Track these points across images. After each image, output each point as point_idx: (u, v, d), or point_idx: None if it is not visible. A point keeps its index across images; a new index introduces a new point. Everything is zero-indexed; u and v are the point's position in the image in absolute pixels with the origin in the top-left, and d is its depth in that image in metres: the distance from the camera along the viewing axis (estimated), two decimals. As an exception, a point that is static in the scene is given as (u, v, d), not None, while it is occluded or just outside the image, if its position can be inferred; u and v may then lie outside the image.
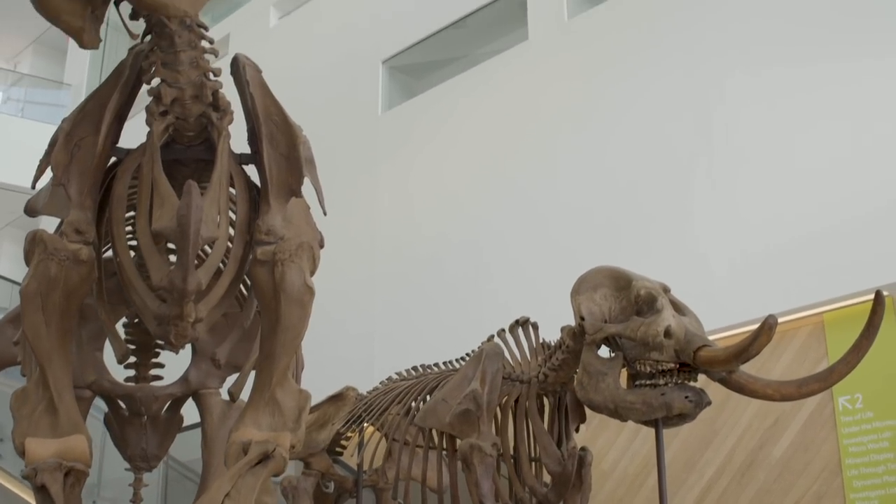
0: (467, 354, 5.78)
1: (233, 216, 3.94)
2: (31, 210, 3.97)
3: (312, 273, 3.82)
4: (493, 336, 5.71)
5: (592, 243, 9.28)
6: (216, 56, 3.62)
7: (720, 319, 7.96)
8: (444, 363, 6.09)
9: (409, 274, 11.05)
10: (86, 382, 4.46)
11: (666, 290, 4.93)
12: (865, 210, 7.80)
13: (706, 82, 9.16)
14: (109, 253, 4.13)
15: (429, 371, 6.20)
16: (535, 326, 5.70)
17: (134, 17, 3.52)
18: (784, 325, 8.28)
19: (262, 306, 3.77)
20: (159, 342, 4.45)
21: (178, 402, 4.89)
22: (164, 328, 3.63)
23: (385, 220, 11.66)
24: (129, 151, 3.85)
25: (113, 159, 3.90)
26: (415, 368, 6.39)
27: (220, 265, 3.78)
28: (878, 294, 4.50)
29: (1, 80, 18.66)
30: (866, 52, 8.18)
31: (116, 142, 3.84)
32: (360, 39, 12.97)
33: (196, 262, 3.48)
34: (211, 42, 3.62)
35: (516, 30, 11.29)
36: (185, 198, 3.29)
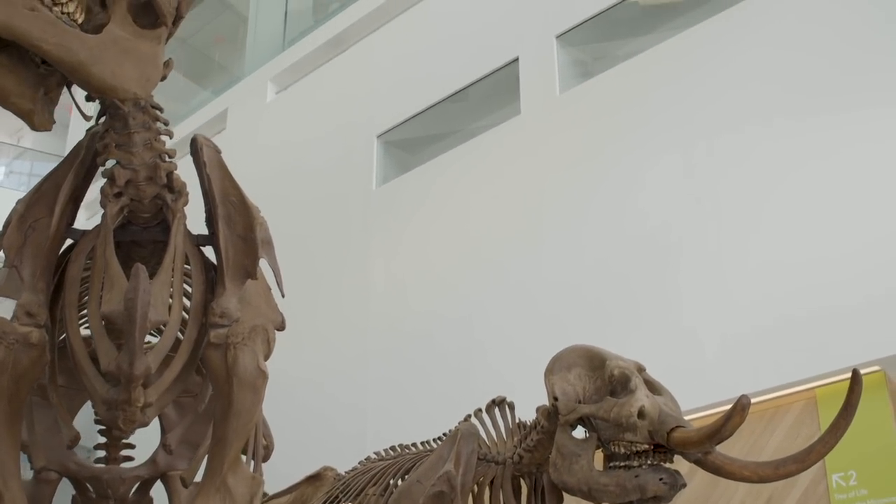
0: (444, 434, 5.69)
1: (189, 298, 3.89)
2: (-13, 292, 3.94)
3: (267, 356, 3.77)
4: (469, 416, 5.62)
5: (582, 318, 9.20)
6: (170, 137, 3.61)
7: (711, 395, 7.87)
8: (422, 443, 5.99)
9: (402, 348, 10.96)
10: (52, 464, 4.39)
11: (640, 369, 4.85)
12: (858, 285, 7.72)
13: (698, 153, 9.15)
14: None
15: (406, 451, 6.10)
16: (512, 406, 5.62)
17: (90, 98, 3.51)
18: (776, 401, 8.21)
19: (214, 390, 3.71)
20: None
21: (146, 485, 4.81)
22: (112, 413, 3.57)
23: (378, 293, 11.60)
24: (84, 233, 3.82)
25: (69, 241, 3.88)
26: (392, 448, 6.29)
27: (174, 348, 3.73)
28: (855, 373, 4.41)
29: (4, 154, 18.82)
30: (858, 133, 8.18)
31: (72, 223, 3.82)
32: (356, 114, 13.04)
33: (147, 345, 3.43)
34: (165, 123, 3.61)
35: (509, 104, 11.33)
36: (133, 281, 3.26)
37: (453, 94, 11.97)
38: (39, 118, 3.21)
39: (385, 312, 11.37)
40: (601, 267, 9.43)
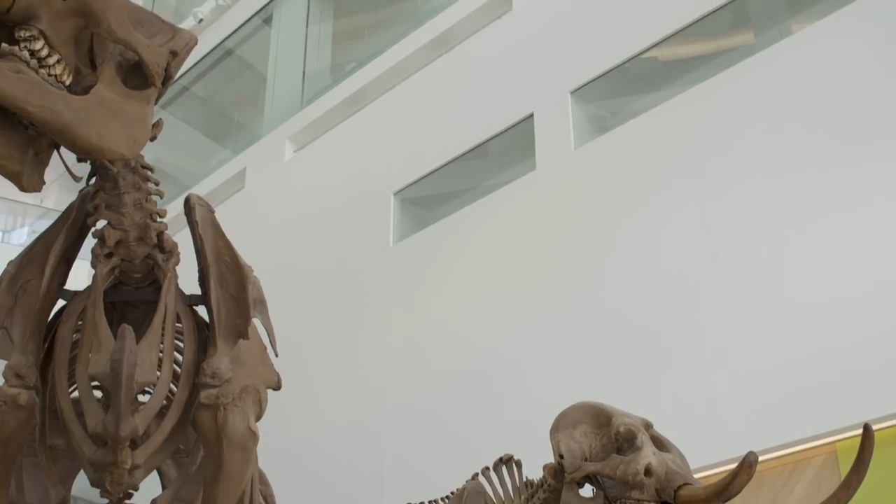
0: (451, 493, 5.63)
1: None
2: (-18, 353, 3.93)
3: (258, 417, 3.73)
4: (476, 475, 5.56)
5: (600, 370, 9.12)
6: (161, 197, 3.61)
7: (730, 450, 7.75)
8: (430, 502, 5.92)
9: (420, 402, 10.89)
10: None
11: (647, 426, 4.77)
12: (879, 340, 7.62)
13: (712, 206, 9.11)
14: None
15: (415, 510, 6.03)
16: (519, 465, 5.55)
17: (82, 159, 3.52)
18: (797, 455, 8.07)
19: (205, 451, 3.68)
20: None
21: None
22: (100, 475, 3.53)
23: (395, 347, 11.56)
24: (76, 293, 3.81)
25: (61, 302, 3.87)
26: (401, 508, 6.23)
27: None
28: (867, 428, 4.33)
29: (28, 214, 18.98)
30: (877, 176, 8.12)
31: (63, 284, 3.81)
32: (373, 171, 13.08)
33: (137, 407, 3.41)
34: (156, 183, 3.61)
35: (525, 160, 11.34)
36: (119, 342, 3.24)
37: (469, 151, 11.99)
38: (28, 180, 3.21)
39: (402, 367, 11.32)
40: (619, 319, 9.35)
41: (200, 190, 16.40)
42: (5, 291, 3.68)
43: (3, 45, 3.02)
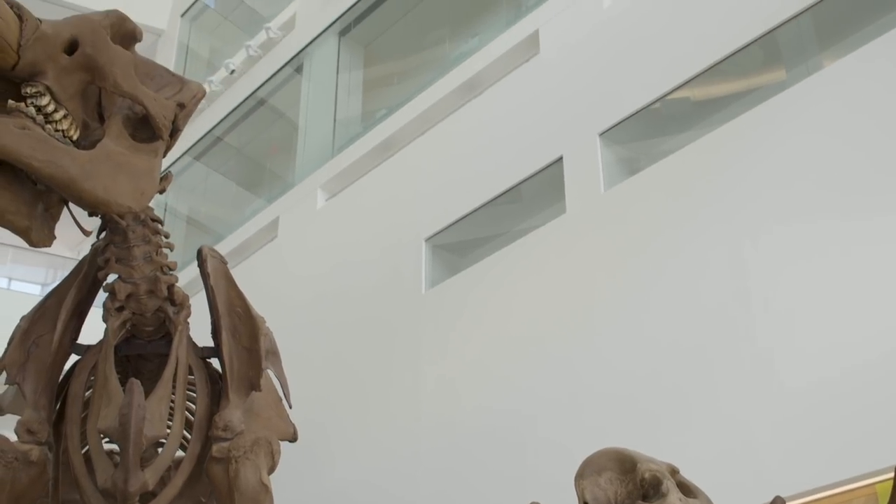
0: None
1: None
2: (-1, 409, 3.93)
3: (271, 470, 3.68)
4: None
5: (632, 413, 9.02)
6: (171, 250, 3.60)
7: (765, 493, 7.59)
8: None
9: (455, 443, 10.81)
10: None
11: (674, 471, 4.68)
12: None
13: (744, 247, 9.00)
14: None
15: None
16: (547, 512, 5.45)
17: (92, 213, 3.52)
18: (835, 498, 7.91)
19: (217, 504, 3.64)
20: None
21: None
22: (109, 531, 3.50)
23: (429, 393, 11.50)
24: (88, 348, 3.80)
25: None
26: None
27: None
28: (901, 470, 4.22)
29: (66, 267, 19.14)
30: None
31: (76, 339, 3.81)
32: (403, 218, 13.08)
33: (148, 461, 3.38)
34: (166, 236, 3.61)
35: (555, 203, 11.29)
36: (127, 396, 3.23)
37: (499, 196, 11.97)
38: (37, 235, 3.22)
39: (436, 410, 11.27)
40: (652, 360, 9.24)
41: (234, 240, 16.54)
42: (17, 347, 3.68)
43: (10, 101, 3.04)
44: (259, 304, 12.79)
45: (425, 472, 10.96)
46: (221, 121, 18.90)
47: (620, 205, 10.37)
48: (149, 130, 3.38)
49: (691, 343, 9.01)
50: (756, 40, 9.88)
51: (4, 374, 3.74)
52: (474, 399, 10.88)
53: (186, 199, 19.89)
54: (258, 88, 18.16)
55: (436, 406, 11.33)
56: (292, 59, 17.53)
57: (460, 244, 12.70)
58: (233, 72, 18.73)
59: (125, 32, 3.38)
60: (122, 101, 3.32)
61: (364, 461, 11.58)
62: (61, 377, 3.78)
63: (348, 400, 12.17)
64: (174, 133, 3.46)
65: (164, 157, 3.46)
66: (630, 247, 10.04)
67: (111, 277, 3.58)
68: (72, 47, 3.12)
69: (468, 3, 15.02)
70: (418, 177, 13.28)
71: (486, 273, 11.67)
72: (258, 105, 18.48)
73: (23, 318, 3.75)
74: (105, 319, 3.58)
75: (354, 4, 16.27)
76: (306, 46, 17.22)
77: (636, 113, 10.69)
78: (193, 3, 22.01)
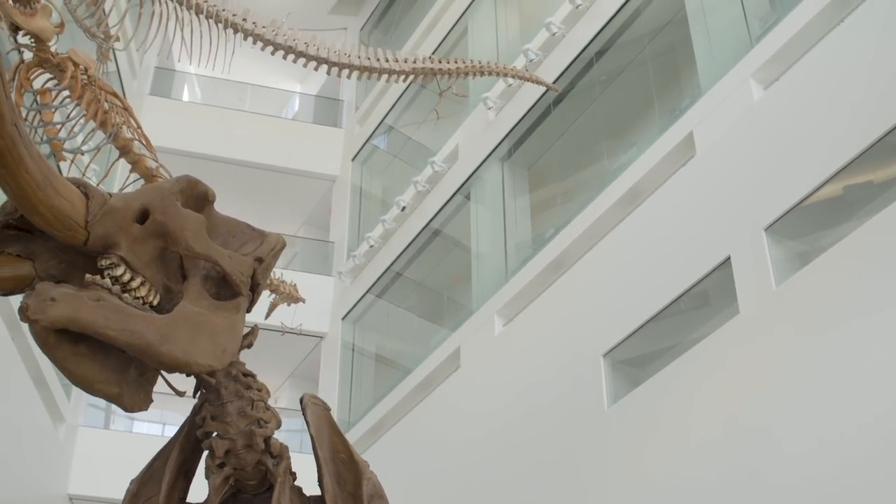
0: None
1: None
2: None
3: None
4: None
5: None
6: (265, 403, 3.63)
7: None
8: None
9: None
10: None
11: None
12: None
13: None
14: None
15: None
16: None
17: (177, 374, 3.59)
18: None
19: None
20: None
21: None
22: None
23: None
24: (196, 507, 3.84)
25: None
26: None
27: None
28: None
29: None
30: None
31: (184, 498, 3.85)
32: (579, 335, 12.97)
33: None
34: (259, 389, 3.64)
35: (728, 305, 10.94)
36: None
37: (671, 304, 11.71)
38: (130, 400, 3.30)
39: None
40: (840, 460, 8.71)
41: (420, 374, 16.73)
42: (126, 512, 3.75)
43: (87, 275, 3.14)
44: (445, 436, 12.85)
45: None
46: (399, 256, 19.31)
47: (795, 299, 9.94)
48: (231, 288, 3.44)
49: (885, 441, 8.44)
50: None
51: None
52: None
53: (372, 337, 20.29)
54: (430, 221, 18.54)
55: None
56: (458, 189, 17.86)
57: (638, 357, 12.46)
58: (403, 209, 19.19)
59: (197, 195, 3.48)
60: (201, 261, 3.40)
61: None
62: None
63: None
64: (255, 288, 3.51)
65: (248, 312, 3.51)
66: (810, 342, 9.59)
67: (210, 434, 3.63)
68: (143, 216, 3.23)
69: (622, 114, 15.01)
70: (590, 292, 13.17)
71: (668, 383, 11.35)
72: (433, 236, 18.84)
73: (132, 481, 3.83)
74: (207, 477, 3.62)
75: (511, 131, 16.51)
76: (470, 176, 17.53)
77: (800, 202, 10.31)
78: (363, 147, 22.79)
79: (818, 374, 9.39)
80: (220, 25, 6.64)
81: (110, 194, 3.25)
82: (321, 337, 20.99)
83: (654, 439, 11.22)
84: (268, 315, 11.91)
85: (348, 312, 20.74)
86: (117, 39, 7.20)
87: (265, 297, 10.94)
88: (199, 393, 3.65)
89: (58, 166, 10.42)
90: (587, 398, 12.45)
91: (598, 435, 12.06)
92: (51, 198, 2.95)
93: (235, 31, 6.71)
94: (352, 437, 18.59)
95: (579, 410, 12.49)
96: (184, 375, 3.53)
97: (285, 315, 11.56)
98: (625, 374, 12.47)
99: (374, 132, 22.54)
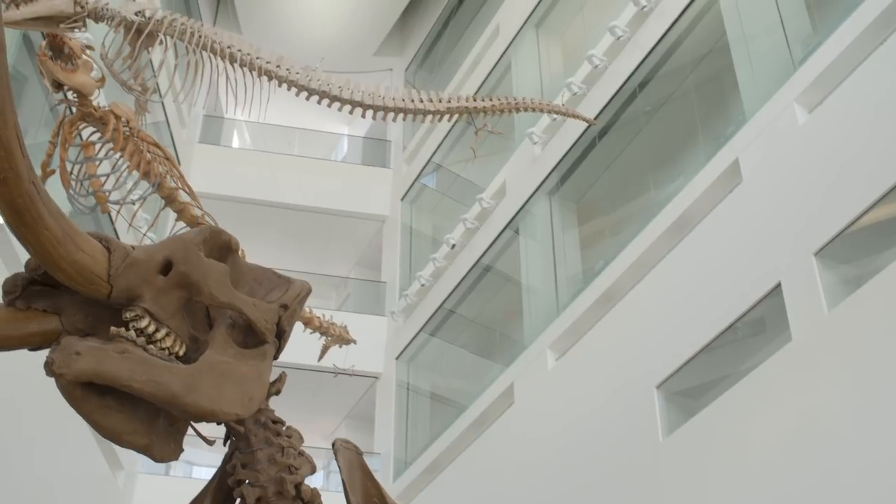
0: None
1: None
2: None
3: None
4: None
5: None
6: (295, 450, 3.63)
7: None
8: None
9: None
10: None
11: None
12: None
13: None
14: None
15: None
16: None
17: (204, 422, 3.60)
18: None
19: None
20: None
21: None
22: None
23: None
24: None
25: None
26: None
27: None
28: None
29: (321, 456, 19.77)
30: None
31: (220, 544, 3.86)
32: (631, 368, 12.85)
33: None
34: (289, 436, 3.64)
35: (780, 332, 10.79)
36: None
37: (723, 333, 11.57)
38: (159, 451, 3.33)
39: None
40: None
41: (474, 411, 16.67)
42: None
43: (112, 328, 3.18)
44: (501, 472, 12.78)
45: None
46: (450, 294, 19.31)
47: (847, 324, 9.78)
48: (256, 336, 3.46)
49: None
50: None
51: None
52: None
53: (426, 375, 20.28)
54: (480, 257, 18.53)
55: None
56: (507, 224, 17.84)
57: (692, 388, 12.31)
58: (453, 246, 19.20)
59: (221, 245, 3.52)
60: (227, 310, 3.42)
61: None
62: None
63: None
64: (281, 335, 3.53)
65: (275, 358, 3.53)
66: (863, 366, 9.42)
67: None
68: (166, 268, 3.27)
69: (667, 144, 14.94)
70: (641, 324, 13.07)
71: (723, 413, 11.19)
72: (483, 273, 18.82)
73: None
74: (238, 523, 3.63)
75: (557, 164, 16.48)
76: (519, 211, 17.51)
77: (850, 225, 10.16)
78: (411, 186, 22.88)
79: (872, 399, 9.22)
80: (255, 73, 6.70)
81: (133, 247, 3.29)
82: (376, 377, 21.04)
83: (710, 470, 11.06)
84: (320, 357, 11.94)
85: (402, 352, 20.77)
86: (154, 91, 7.30)
87: (317, 340, 10.98)
88: (228, 441, 3.67)
89: (109, 217, 10.59)
90: (642, 431, 12.32)
91: (654, 468, 11.92)
92: (71, 253, 3.00)
93: (270, 78, 6.76)
94: (409, 475, 18.56)
95: (634, 443, 12.36)
96: (214, 424, 3.55)
97: (337, 356, 11.56)
98: (679, 406, 12.33)
99: (421, 171, 22.65)
